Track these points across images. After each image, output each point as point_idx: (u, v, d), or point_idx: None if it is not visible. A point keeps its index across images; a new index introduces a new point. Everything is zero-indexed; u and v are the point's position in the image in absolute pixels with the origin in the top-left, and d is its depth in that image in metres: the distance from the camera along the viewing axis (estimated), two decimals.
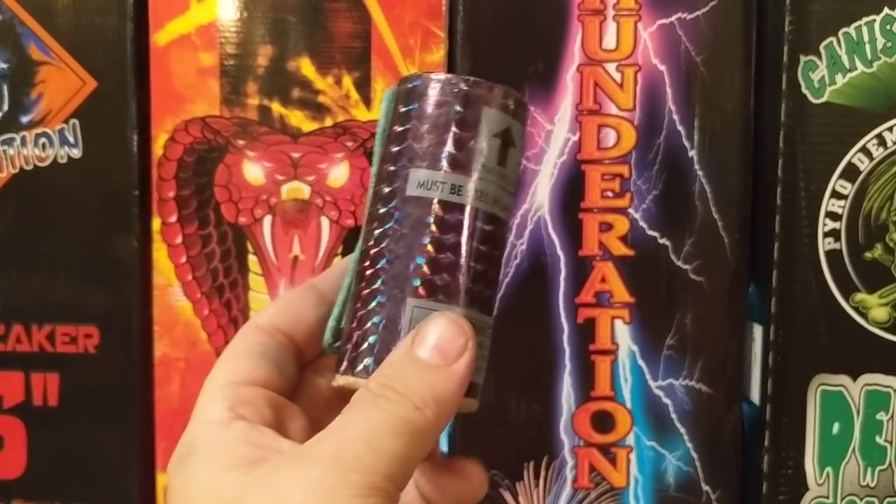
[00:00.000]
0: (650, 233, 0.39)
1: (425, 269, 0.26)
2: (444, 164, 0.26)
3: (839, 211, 0.39)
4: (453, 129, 0.26)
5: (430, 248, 0.26)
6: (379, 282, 0.27)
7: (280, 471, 0.23)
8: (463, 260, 0.26)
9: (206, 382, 0.27)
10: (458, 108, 0.26)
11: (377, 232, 0.27)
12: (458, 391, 0.24)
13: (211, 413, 0.26)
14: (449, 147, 0.26)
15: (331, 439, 0.23)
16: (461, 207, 0.26)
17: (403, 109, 0.27)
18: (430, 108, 0.27)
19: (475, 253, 0.26)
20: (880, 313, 0.39)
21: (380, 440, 0.23)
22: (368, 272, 0.27)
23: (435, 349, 0.24)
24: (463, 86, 0.27)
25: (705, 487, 0.40)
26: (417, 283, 0.26)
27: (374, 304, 0.26)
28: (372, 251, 0.27)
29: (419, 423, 0.23)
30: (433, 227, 0.26)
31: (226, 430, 0.25)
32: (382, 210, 0.27)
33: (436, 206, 0.26)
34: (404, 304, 0.26)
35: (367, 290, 0.27)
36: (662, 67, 0.39)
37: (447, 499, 0.28)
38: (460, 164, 0.26)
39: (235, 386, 0.26)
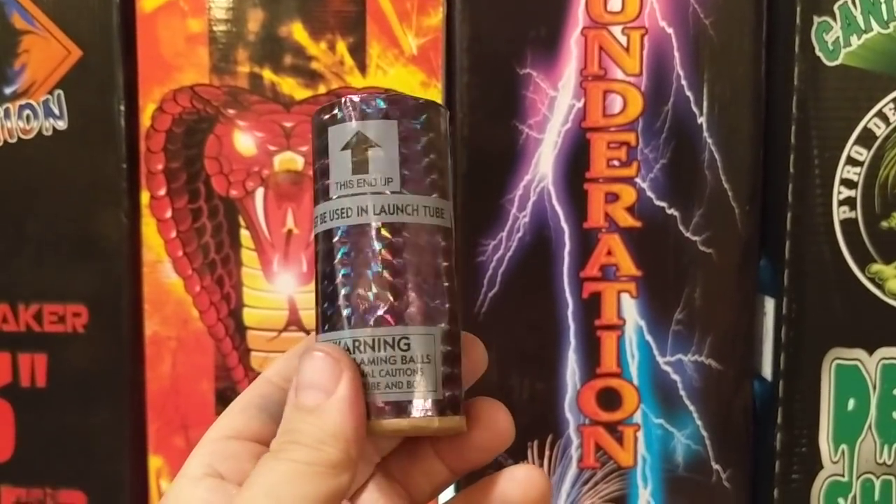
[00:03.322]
0: (658, 203, 0.38)
1: (320, 304, 0.26)
2: (319, 196, 0.26)
3: (854, 178, 0.37)
4: (319, 160, 0.26)
5: (318, 282, 0.26)
6: None
7: None
8: (338, 282, 0.25)
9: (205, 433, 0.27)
10: (317, 139, 0.26)
11: None
12: (349, 416, 0.24)
13: (189, 467, 0.26)
14: (320, 179, 0.26)
15: (237, 499, 0.23)
16: (328, 232, 0.26)
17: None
18: (314, 145, 0.27)
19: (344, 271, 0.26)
20: None
21: (282, 488, 0.23)
22: None
23: (311, 388, 0.24)
24: (319, 116, 0.26)
25: (715, 466, 0.39)
26: (320, 319, 0.26)
27: None
28: None
29: (323, 461, 0.23)
30: (318, 261, 0.26)
31: (193, 488, 0.25)
32: None
33: (315, 239, 0.26)
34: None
35: None
36: (670, 30, 0.37)
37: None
38: (324, 190, 0.26)
39: (223, 440, 0.26)
